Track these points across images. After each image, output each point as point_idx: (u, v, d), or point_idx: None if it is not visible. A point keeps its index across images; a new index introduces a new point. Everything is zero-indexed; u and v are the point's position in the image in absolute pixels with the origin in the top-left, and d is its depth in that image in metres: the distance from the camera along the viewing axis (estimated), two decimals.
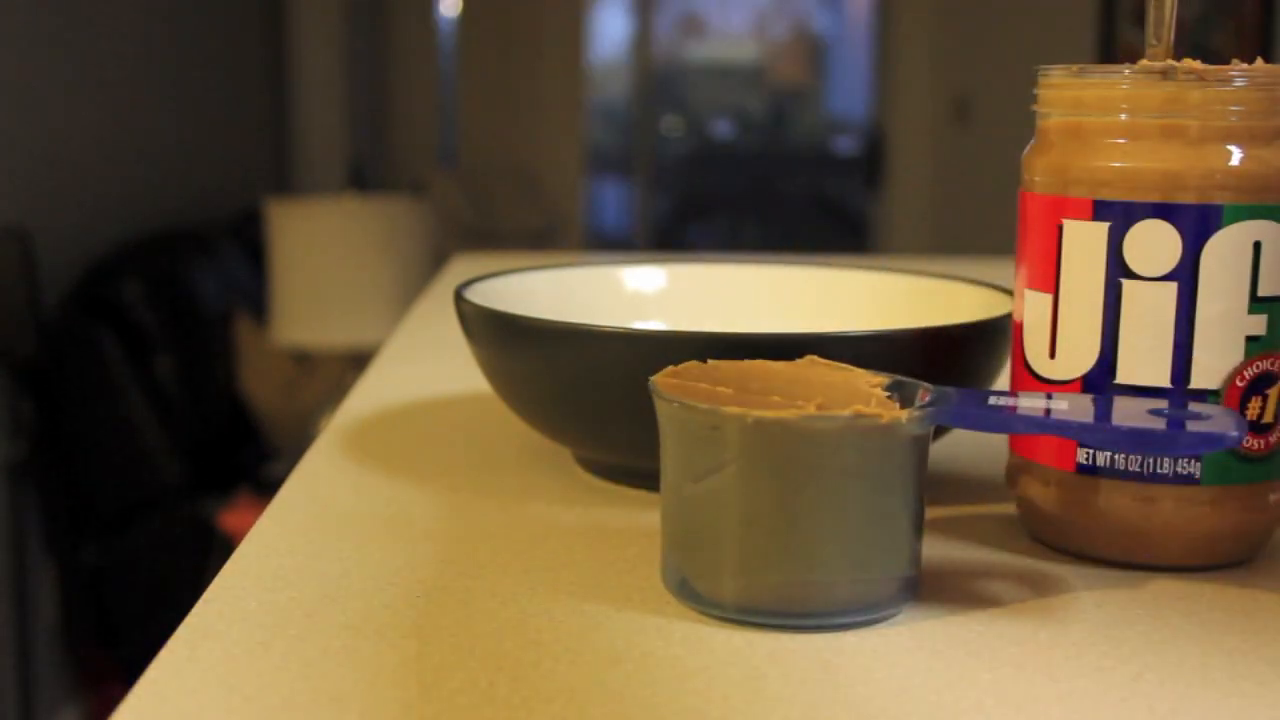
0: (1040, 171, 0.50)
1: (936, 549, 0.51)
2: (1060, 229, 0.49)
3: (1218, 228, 0.47)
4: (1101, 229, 0.48)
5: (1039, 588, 0.48)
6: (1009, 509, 0.56)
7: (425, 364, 0.86)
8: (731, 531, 0.43)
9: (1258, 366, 0.48)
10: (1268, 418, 0.48)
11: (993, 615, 0.45)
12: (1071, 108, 0.49)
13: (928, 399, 0.45)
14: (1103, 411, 0.45)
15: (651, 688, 0.39)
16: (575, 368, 0.54)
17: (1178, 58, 0.48)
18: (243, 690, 0.38)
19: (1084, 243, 0.48)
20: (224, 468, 2.61)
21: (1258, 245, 0.47)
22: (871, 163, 4.82)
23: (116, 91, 2.74)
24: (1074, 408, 0.45)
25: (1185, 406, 0.46)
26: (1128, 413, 0.45)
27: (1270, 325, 0.47)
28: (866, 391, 0.46)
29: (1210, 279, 0.47)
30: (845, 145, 5.41)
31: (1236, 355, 0.47)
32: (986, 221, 3.69)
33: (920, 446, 0.44)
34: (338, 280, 2.51)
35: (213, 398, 2.67)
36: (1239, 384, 0.48)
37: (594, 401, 0.55)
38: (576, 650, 0.41)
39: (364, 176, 3.67)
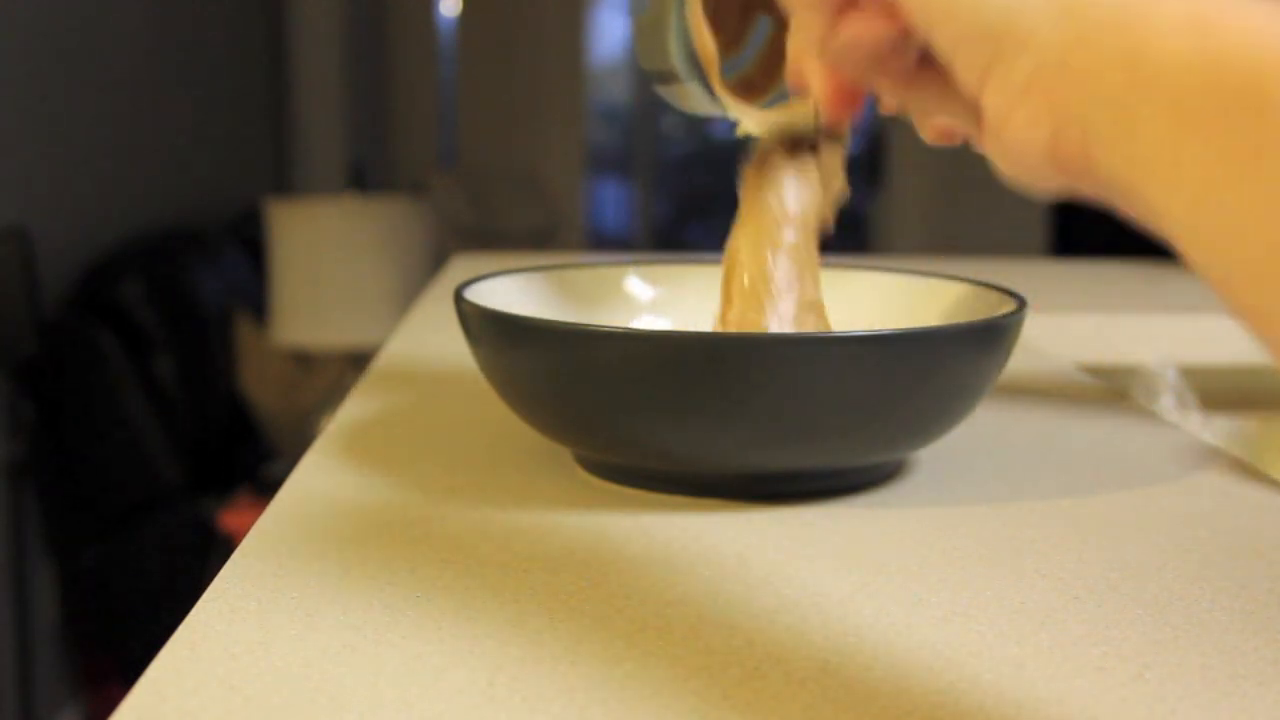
0: None
1: (943, 550, 0.51)
2: None
3: None
4: None
5: (1038, 588, 0.48)
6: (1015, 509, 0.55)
7: (425, 364, 0.86)
8: None
9: None
10: None
11: (992, 616, 0.45)
12: None
13: None
14: None
15: (652, 688, 0.39)
16: (575, 368, 0.54)
17: None
18: (243, 690, 0.38)
19: None
20: (224, 468, 2.61)
21: None
22: (872, 162, 4.81)
23: (116, 91, 2.74)
24: None
25: None
26: None
27: None
28: None
29: None
30: None
31: None
32: (986, 221, 3.69)
33: None
34: (338, 280, 2.51)
35: (213, 398, 2.67)
36: None
37: (594, 401, 0.55)
38: (576, 650, 0.41)
39: (364, 176, 3.66)
